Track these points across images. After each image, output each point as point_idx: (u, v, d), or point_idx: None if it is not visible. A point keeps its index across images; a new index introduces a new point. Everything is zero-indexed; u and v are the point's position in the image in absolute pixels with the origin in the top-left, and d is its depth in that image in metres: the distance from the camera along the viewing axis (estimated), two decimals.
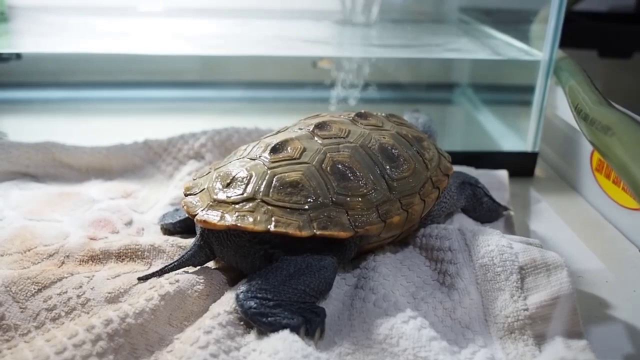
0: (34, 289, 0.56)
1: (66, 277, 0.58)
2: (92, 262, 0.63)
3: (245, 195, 0.58)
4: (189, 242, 0.65)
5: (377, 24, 1.22)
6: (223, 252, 0.59)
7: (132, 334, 0.50)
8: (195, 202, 0.60)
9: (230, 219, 0.56)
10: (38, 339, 0.50)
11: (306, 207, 0.57)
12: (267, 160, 0.61)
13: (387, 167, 0.63)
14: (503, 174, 0.87)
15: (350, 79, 1.19)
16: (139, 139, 0.90)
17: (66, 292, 0.56)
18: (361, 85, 1.19)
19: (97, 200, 0.78)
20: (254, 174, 0.59)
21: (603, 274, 0.68)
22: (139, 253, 0.64)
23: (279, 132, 0.68)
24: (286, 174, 0.59)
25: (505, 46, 1.04)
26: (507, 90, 1.16)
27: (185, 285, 0.56)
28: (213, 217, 0.57)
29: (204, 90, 1.30)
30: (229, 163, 0.64)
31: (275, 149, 0.62)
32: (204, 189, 0.61)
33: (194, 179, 0.65)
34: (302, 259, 0.56)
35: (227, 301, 0.55)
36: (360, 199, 0.59)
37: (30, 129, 1.07)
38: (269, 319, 0.51)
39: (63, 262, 0.63)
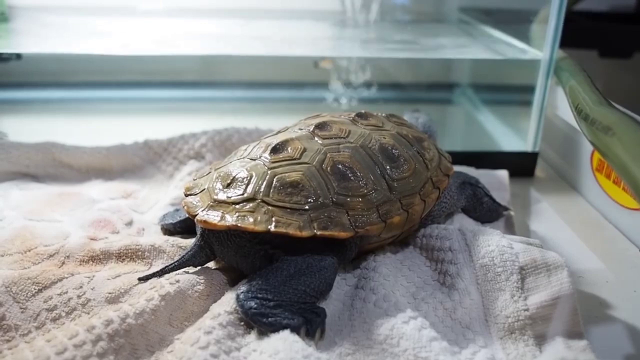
0: (35, 289, 0.56)
1: (66, 278, 0.58)
2: (93, 262, 0.63)
3: (245, 195, 0.58)
4: (190, 242, 0.65)
5: (377, 24, 1.22)
6: (223, 252, 0.59)
7: (132, 335, 0.50)
8: (195, 203, 0.60)
9: (230, 219, 0.56)
10: (38, 339, 0.50)
11: (306, 207, 0.57)
12: (268, 161, 0.61)
13: (388, 167, 0.63)
14: (503, 174, 0.87)
15: (351, 79, 1.19)
16: (139, 139, 0.90)
17: (66, 293, 0.56)
18: (361, 85, 1.19)
19: (97, 201, 0.78)
20: (254, 174, 0.59)
21: (603, 274, 0.68)
22: (140, 253, 0.64)
23: (279, 132, 0.68)
24: (286, 174, 0.59)
25: (506, 46, 1.04)
26: (507, 90, 1.16)
27: (185, 285, 0.56)
28: (213, 217, 0.57)
29: (204, 90, 1.30)
30: (229, 163, 0.64)
31: (275, 149, 0.61)
32: (204, 189, 0.61)
33: (194, 179, 0.65)
34: (303, 260, 0.56)
35: (228, 301, 0.55)
36: (360, 199, 0.59)
37: (30, 129, 1.07)
38: (270, 319, 0.51)
39: (63, 263, 0.63)
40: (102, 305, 0.55)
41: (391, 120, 0.72)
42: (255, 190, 0.58)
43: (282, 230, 0.55)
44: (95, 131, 1.04)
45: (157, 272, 0.58)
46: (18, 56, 1.11)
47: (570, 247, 0.73)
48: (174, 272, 0.59)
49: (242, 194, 0.58)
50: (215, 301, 0.57)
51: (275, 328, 0.51)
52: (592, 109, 0.70)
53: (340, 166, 0.60)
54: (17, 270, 0.60)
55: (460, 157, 0.87)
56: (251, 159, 0.62)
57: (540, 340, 0.52)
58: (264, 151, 0.62)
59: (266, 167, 0.60)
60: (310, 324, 0.52)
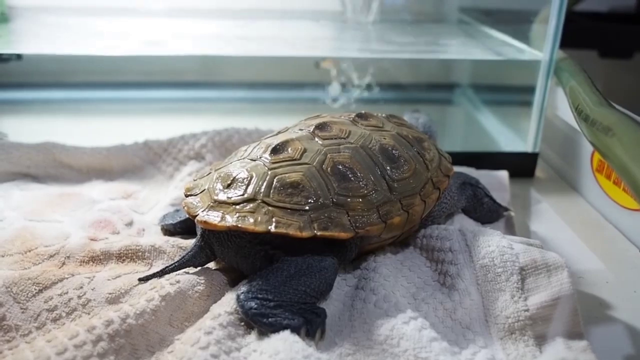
0: (35, 289, 0.56)
1: (67, 278, 0.58)
2: (93, 262, 0.63)
3: (245, 196, 0.58)
4: (190, 242, 0.65)
5: (377, 24, 1.22)
6: (224, 252, 0.59)
7: (133, 335, 0.50)
8: (195, 203, 0.60)
9: (230, 220, 0.56)
10: (39, 339, 0.50)
11: (307, 207, 0.57)
12: (268, 161, 0.61)
13: (388, 167, 0.63)
14: (503, 174, 0.87)
15: (351, 80, 1.19)
16: (140, 139, 0.90)
17: (67, 293, 0.56)
18: (362, 85, 1.19)
19: (97, 201, 0.78)
20: (254, 174, 0.59)
21: (603, 275, 0.68)
22: (140, 254, 0.64)
23: (279, 132, 0.68)
24: (287, 175, 0.59)
25: (506, 46, 1.04)
26: (507, 91, 1.16)
27: (186, 285, 0.56)
28: (214, 217, 0.57)
29: (204, 90, 1.30)
30: (229, 164, 0.64)
31: (275, 150, 0.62)
32: (204, 190, 0.61)
33: (194, 180, 0.65)
34: (303, 260, 0.56)
35: (228, 302, 0.55)
36: (360, 200, 0.59)
37: (30, 129, 1.07)
38: (270, 319, 0.51)
39: (64, 263, 0.63)
40: (103, 306, 0.55)
41: (391, 121, 0.72)
42: (256, 190, 0.58)
43: (282, 230, 0.55)
44: (95, 132, 1.04)
45: (158, 272, 0.58)
46: (18, 56, 1.11)
47: (571, 248, 0.73)
48: (175, 273, 0.59)
49: (243, 195, 0.58)
50: (215, 301, 0.57)
51: (276, 328, 0.51)
52: (593, 109, 0.70)
53: (340, 167, 0.60)
54: (18, 270, 0.60)
55: (461, 158, 0.87)
56: (251, 160, 0.62)
57: (541, 340, 0.52)
58: (264, 152, 0.62)
59: (266, 168, 0.60)
60: (311, 325, 0.52)
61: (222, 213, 0.57)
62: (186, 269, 0.60)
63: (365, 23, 1.22)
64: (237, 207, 0.57)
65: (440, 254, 0.62)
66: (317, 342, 0.52)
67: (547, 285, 0.55)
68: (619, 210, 0.79)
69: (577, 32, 1.09)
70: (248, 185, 0.59)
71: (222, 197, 0.59)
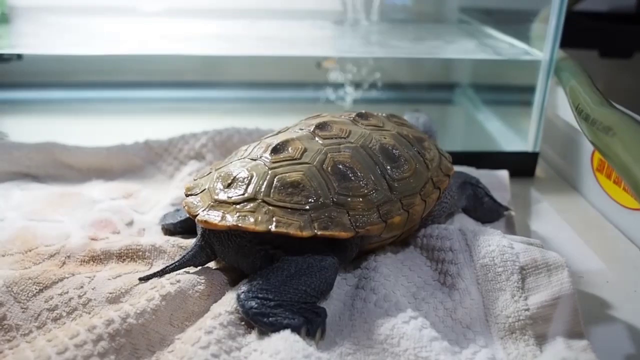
0: (36, 289, 0.56)
1: (67, 278, 0.58)
2: (93, 262, 0.63)
3: (246, 195, 0.58)
4: (190, 242, 0.65)
5: (378, 24, 1.22)
6: (224, 252, 0.59)
7: (133, 334, 0.50)
8: (196, 203, 0.60)
9: (231, 220, 0.56)
10: (39, 339, 0.50)
11: (307, 207, 0.57)
12: (268, 161, 0.61)
13: (388, 167, 0.63)
14: (504, 174, 0.87)
15: (352, 79, 1.19)
16: (140, 139, 0.90)
17: (67, 293, 0.56)
18: (362, 85, 1.19)
19: (98, 201, 0.78)
20: (254, 174, 0.59)
21: (604, 274, 0.68)
22: (140, 253, 0.64)
23: (279, 132, 0.68)
24: (287, 174, 0.59)
25: (506, 46, 1.04)
26: (507, 91, 1.16)
27: (186, 285, 0.56)
28: (214, 217, 0.57)
29: (204, 90, 1.30)
30: (229, 163, 0.64)
31: (276, 149, 0.62)
32: (204, 190, 0.61)
33: (194, 179, 0.65)
34: (303, 259, 0.56)
35: (228, 301, 0.55)
36: (361, 199, 0.59)
37: (31, 129, 1.07)
38: (270, 319, 0.51)
39: (64, 263, 0.63)
40: (103, 305, 0.55)
41: (391, 121, 0.72)
42: (256, 190, 0.58)
43: (282, 230, 0.55)
44: (95, 131, 1.04)
45: (158, 272, 0.58)
46: (19, 56, 1.11)
47: (571, 247, 0.73)
48: (175, 272, 0.59)
49: (243, 194, 0.58)
50: (216, 301, 0.57)
51: (276, 328, 0.51)
52: (593, 109, 0.70)
53: (340, 166, 0.60)
54: (18, 270, 0.60)
55: (461, 157, 0.87)
56: (252, 159, 0.62)
57: (541, 340, 0.52)
58: (265, 151, 0.62)
59: (267, 167, 0.60)
60: (311, 324, 0.52)
61: (223, 212, 0.57)
62: (186, 269, 0.60)
63: (365, 23, 1.22)
64: (238, 206, 0.57)
65: (441, 253, 0.62)
66: (318, 341, 0.52)
67: (548, 285, 0.55)
68: (620, 209, 0.79)
69: (577, 32, 1.09)
70: (248, 184, 0.59)
71: (222, 196, 0.59)
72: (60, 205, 0.76)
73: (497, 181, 0.84)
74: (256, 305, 0.52)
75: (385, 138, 0.65)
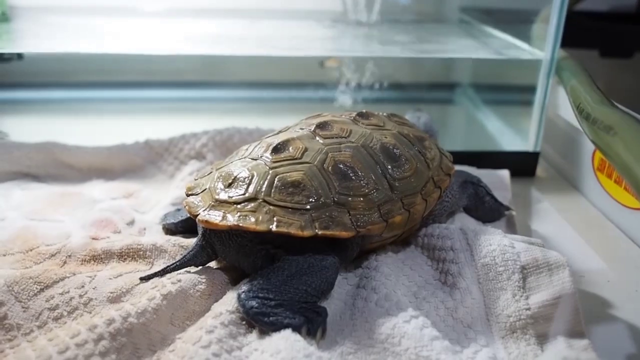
0: (36, 288, 0.56)
1: (68, 277, 0.58)
2: (94, 261, 0.63)
3: (247, 195, 0.58)
4: (191, 242, 0.65)
5: (378, 24, 1.22)
6: (225, 252, 0.59)
7: (134, 334, 0.50)
8: (197, 202, 0.60)
9: (232, 219, 0.56)
10: (40, 338, 0.50)
11: (308, 207, 0.57)
12: (269, 160, 0.61)
13: (389, 166, 0.63)
14: (504, 173, 0.87)
15: (352, 79, 1.19)
16: (141, 139, 0.90)
17: (68, 292, 0.56)
18: (363, 85, 1.19)
19: (98, 200, 0.78)
20: (255, 174, 0.59)
21: (605, 274, 0.68)
22: (141, 253, 0.64)
23: (280, 132, 0.68)
24: (288, 174, 0.59)
25: (507, 46, 1.04)
26: (508, 90, 1.16)
27: (187, 284, 0.56)
28: (215, 217, 0.57)
29: (205, 90, 1.30)
30: (230, 163, 0.64)
31: (276, 149, 0.62)
32: (205, 189, 0.61)
33: (195, 179, 0.65)
34: (304, 259, 0.56)
35: (229, 301, 0.55)
36: (362, 199, 0.59)
37: (31, 129, 1.07)
38: (271, 318, 0.51)
39: (65, 262, 0.63)
40: (104, 305, 0.55)
41: (392, 120, 0.72)
42: (257, 190, 0.58)
43: (283, 230, 0.55)
44: (96, 131, 1.04)
45: (159, 271, 0.58)
46: (19, 56, 1.11)
47: (572, 247, 0.73)
48: (176, 272, 0.59)
49: (244, 194, 0.58)
50: (216, 300, 0.57)
51: (277, 327, 0.51)
52: (594, 108, 0.70)
53: (341, 166, 0.60)
54: (19, 269, 0.60)
55: (462, 157, 0.87)
56: (252, 159, 0.62)
57: (542, 339, 0.52)
58: (265, 151, 0.62)
59: (267, 167, 0.60)
60: (312, 323, 0.52)
61: (224, 212, 0.57)
62: (187, 268, 0.60)
63: (365, 23, 1.22)
64: (239, 206, 0.57)
65: (442, 252, 0.62)
66: (318, 341, 0.51)
67: (549, 284, 0.54)
68: (620, 209, 0.79)
69: (578, 32, 1.09)
70: (249, 184, 0.59)
71: (223, 196, 0.59)
72: (60, 205, 0.76)
73: (498, 181, 0.84)
74: (257, 304, 0.52)
75: (386, 137, 0.65)
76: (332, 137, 0.64)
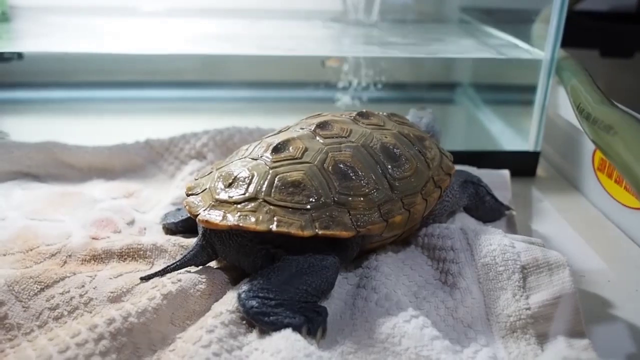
0: (37, 288, 0.56)
1: (69, 277, 0.58)
2: (95, 261, 0.63)
3: (247, 195, 0.58)
4: (191, 241, 0.65)
5: (378, 23, 1.22)
6: (225, 251, 0.59)
7: (134, 333, 0.50)
8: (197, 202, 0.60)
9: (232, 219, 0.56)
10: (41, 338, 0.50)
11: (308, 206, 0.57)
12: (269, 160, 0.61)
13: (389, 166, 0.63)
14: (505, 173, 0.87)
15: (352, 79, 1.19)
16: (141, 138, 0.90)
17: (69, 292, 0.56)
18: (363, 84, 1.19)
19: (99, 200, 0.78)
20: (255, 173, 0.59)
21: (605, 274, 0.68)
22: (141, 253, 0.64)
23: (280, 131, 0.68)
24: (288, 174, 0.59)
25: (507, 46, 1.04)
26: (508, 90, 1.16)
27: (187, 284, 0.56)
28: (215, 217, 0.57)
29: (205, 90, 1.30)
30: (230, 163, 0.64)
31: (277, 149, 0.62)
32: (205, 189, 0.61)
33: (195, 179, 0.65)
34: (304, 259, 0.56)
35: (229, 300, 0.55)
36: (362, 199, 0.59)
37: (31, 128, 1.07)
38: (271, 318, 0.51)
39: (65, 262, 0.63)
40: (104, 304, 0.55)
41: (392, 120, 0.72)
42: (257, 189, 0.58)
43: (283, 229, 0.55)
44: (96, 131, 1.04)
45: (159, 271, 0.58)
46: (19, 56, 1.11)
47: (572, 247, 0.73)
48: (176, 272, 0.59)
49: (244, 194, 0.58)
50: (217, 300, 0.57)
51: (277, 327, 0.51)
52: (594, 108, 0.70)
53: (341, 165, 0.60)
54: (20, 269, 0.60)
55: (462, 157, 0.87)
56: (253, 159, 0.62)
57: (542, 339, 0.52)
58: (266, 151, 0.62)
59: (268, 167, 0.60)
60: (312, 323, 0.52)
61: (224, 212, 0.57)
62: (188, 268, 0.60)
63: (366, 23, 1.22)
64: (239, 206, 0.57)
65: (442, 252, 0.62)
66: (319, 340, 0.52)
67: (549, 284, 0.54)
68: (621, 208, 0.79)
69: (578, 32, 1.09)
70: (249, 184, 0.59)
71: (223, 196, 0.59)
72: (61, 205, 0.76)
73: (498, 180, 0.84)
74: (257, 304, 0.52)
75: (386, 137, 0.65)
76: (333, 137, 0.64)
